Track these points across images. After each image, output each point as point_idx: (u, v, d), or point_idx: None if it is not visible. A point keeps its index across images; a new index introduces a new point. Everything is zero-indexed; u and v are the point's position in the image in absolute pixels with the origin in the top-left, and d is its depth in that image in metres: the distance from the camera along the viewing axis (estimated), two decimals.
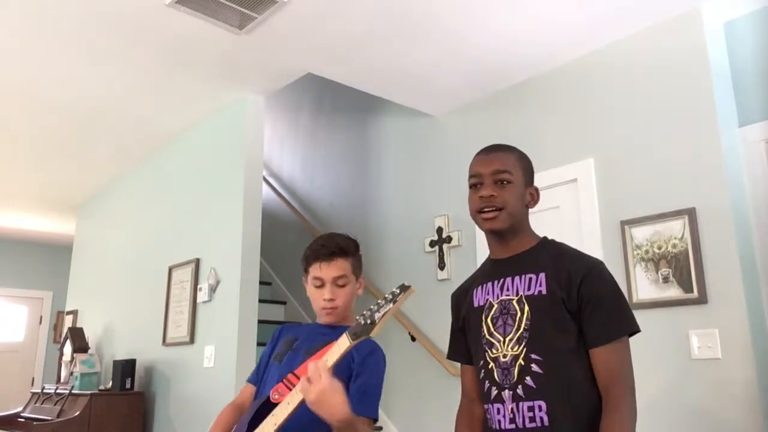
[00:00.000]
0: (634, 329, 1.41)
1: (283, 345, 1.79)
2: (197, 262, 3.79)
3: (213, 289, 3.61)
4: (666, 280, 2.67)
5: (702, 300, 2.54)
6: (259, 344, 3.46)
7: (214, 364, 3.47)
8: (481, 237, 3.47)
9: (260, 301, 3.60)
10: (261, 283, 3.75)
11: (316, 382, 1.38)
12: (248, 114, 3.67)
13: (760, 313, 2.54)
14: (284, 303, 5.17)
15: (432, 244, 3.74)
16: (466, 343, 1.59)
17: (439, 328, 3.14)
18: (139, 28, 2.98)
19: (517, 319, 1.42)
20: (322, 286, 1.72)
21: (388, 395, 3.88)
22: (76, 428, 3.64)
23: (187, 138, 4.25)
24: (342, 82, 3.54)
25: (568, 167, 3.13)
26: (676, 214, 2.68)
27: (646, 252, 2.75)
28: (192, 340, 3.69)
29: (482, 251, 3.45)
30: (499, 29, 2.97)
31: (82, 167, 5.00)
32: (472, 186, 1.53)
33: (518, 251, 1.51)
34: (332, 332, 1.65)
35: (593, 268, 1.44)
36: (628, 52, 3.01)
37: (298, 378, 1.52)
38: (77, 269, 5.77)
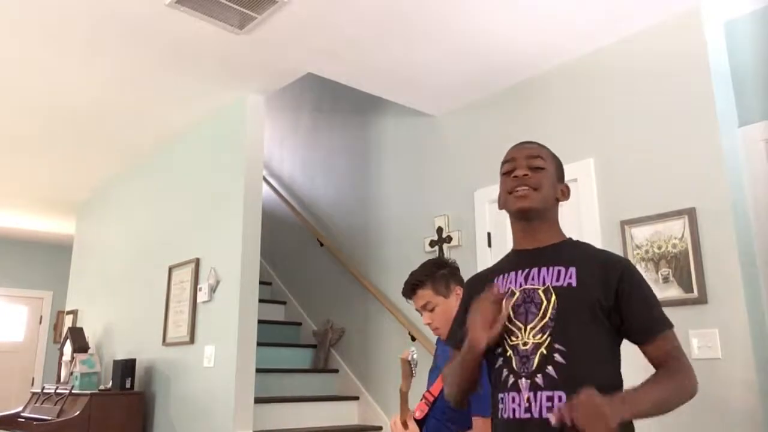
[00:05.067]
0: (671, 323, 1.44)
1: (416, 363, 2.08)
2: (197, 262, 3.79)
3: (213, 289, 3.61)
4: (666, 280, 2.67)
5: (702, 300, 2.54)
6: (259, 344, 3.47)
7: (214, 364, 3.47)
8: (481, 237, 3.49)
9: (260, 301, 3.60)
10: (261, 283, 3.75)
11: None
12: (248, 114, 3.67)
13: (760, 313, 2.53)
14: (284, 303, 5.17)
15: (432, 244, 3.74)
16: None
17: None
18: (139, 28, 2.98)
19: (543, 308, 1.40)
20: (421, 313, 2.03)
21: (388, 393, 3.88)
22: (76, 428, 3.63)
23: (187, 138, 4.25)
24: (342, 82, 3.54)
25: (568, 167, 3.05)
26: (676, 214, 2.68)
27: (646, 252, 2.75)
28: (192, 340, 3.69)
29: (482, 251, 3.45)
30: (499, 29, 2.97)
31: (82, 167, 5.00)
32: (506, 173, 1.52)
33: (545, 243, 1.49)
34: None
35: (628, 266, 1.47)
36: (628, 52, 3.01)
37: (432, 395, 1.95)
38: (77, 269, 5.77)
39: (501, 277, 1.51)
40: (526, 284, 1.45)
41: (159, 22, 2.91)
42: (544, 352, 1.36)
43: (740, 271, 2.49)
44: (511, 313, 1.43)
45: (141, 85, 3.61)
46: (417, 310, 2.04)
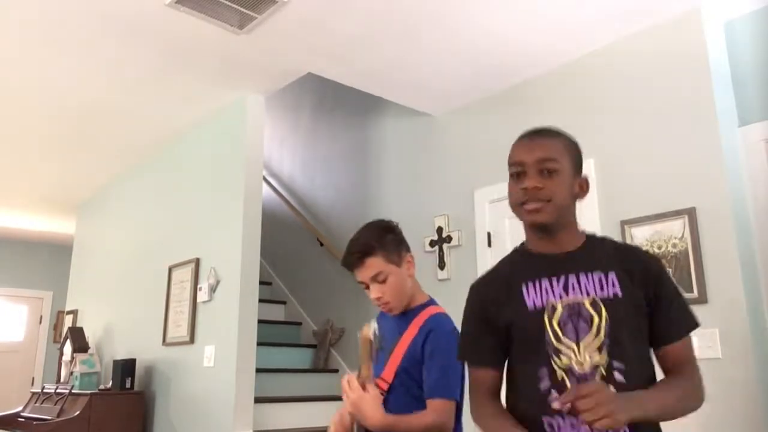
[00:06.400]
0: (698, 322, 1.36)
1: (378, 341, 1.82)
2: (197, 262, 3.79)
3: (213, 289, 3.61)
4: None
5: (702, 300, 2.54)
6: (259, 344, 3.47)
7: (214, 363, 3.47)
8: (481, 237, 3.49)
9: (260, 301, 3.60)
10: (261, 283, 3.75)
11: (348, 394, 1.46)
12: (248, 114, 3.67)
13: (760, 313, 2.54)
14: (284, 303, 5.17)
15: (432, 244, 3.74)
16: (495, 345, 1.39)
17: None
18: (139, 28, 2.98)
19: (595, 323, 1.28)
20: (367, 287, 1.75)
21: None
22: (76, 428, 3.63)
23: (187, 138, 4.25)
24: (342, 82, 3.54)
25: None
26: (676, 214, 2.68)
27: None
28: (192, 340, 3.69)
29: (482, 251, 3.45)
30: (499, 29, 2.97)
31: (82, 167, 5.00)
32: (513, 175, 1.37)
33: (571, 248, 1.37)
34: (403, 323, 1.72)
35: (661, 265, 1.39)
36: (628, 52, 3.01)
37: (386, 381, 1.67)
38: (77, 269, 5.77)
39: (531, 285, 1.35)
40: (568, 295, 1.32)
41: (159, 22, 2.91)
42: (603, 372, 1.26)
43: (740, 271, 2.49)
44: (559, 331, 1.30)
45: (141, 85, 3.61)
46: (361, 282, 1.75)
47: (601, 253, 1.37)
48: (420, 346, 1.64)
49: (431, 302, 1.78)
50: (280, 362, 4.30)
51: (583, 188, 1.39)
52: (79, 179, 5.29)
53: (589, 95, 3.13)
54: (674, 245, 2.67)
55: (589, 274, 1.32)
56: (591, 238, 1.42)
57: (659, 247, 2.71)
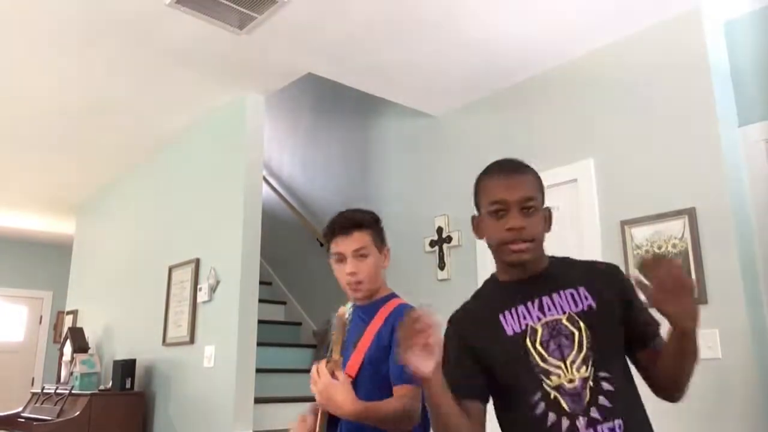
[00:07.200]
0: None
1: (344, 330, 1.80)
2: (197, 262, 3.79)
3: (213, 289, 3.61)
4: None
5: (702, 300, 2.54)
6: (259, 344, 3.47)
7: (214, 364, 3.47)
8: None
9: (260, 301, 3.60)
10: (261, 283, 3.74)
11: (317, 382, 1.43)
12: (248, 114, 3.67)
13: (760, 313, 2.54)
14: (284, 303, 5.17)
15: (432, 244, 3.74)
16: (483, 378, 1.39)
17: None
18: (138, 28, 2.98)
19: (576, 339, 1.32)
20: (343, 260, 1.72)
21: None
22: (76, 428, 3.63)
23: (187, 138, 4.25)
24: (342, 82, 3.54)
25: (568, 167, 3.12)
26: (676, 214, 2.68)
27: (646, 252, 2.75)
28: (192, 340, 3.69)
29: (482, 251, 3.44)
30: (499, 29, 2.97)
31: (82, 167, 5.00)
32: (493, 213, 1.39)
33: (535, 271, 1.42)
34: (368, 314, 1.70)
35: (620, 271, 1.46)
36: (628, 52, 3.01)
37: (350, 376, 1.62)
38: (77, 269, 5.77)
39: (508, 313, 1.39)
40: (545, 316, 1.36)
41: (159, 22, 2.91)
42: (592, 384, 1.29)
43: (740, 271, 2.49)
44: (543, 351, 1.33)
45: (141, 85, 3.61)
46: (338, 253, 1.73)
47: (566, 271, 1.43)
48: (387, 335, 1.62)
49: (395, 295, 1.79)
50: (280, 362, 4.30)
51: (548, 219, 1.45)
52: (79, 179, 5.29)
53: (589, 95, 3.13)
54: (674, 245, 2.67)
55: (561, 292, 1.38)
56: (553, 260, 1.47)
57: (659, 247, 2.71)
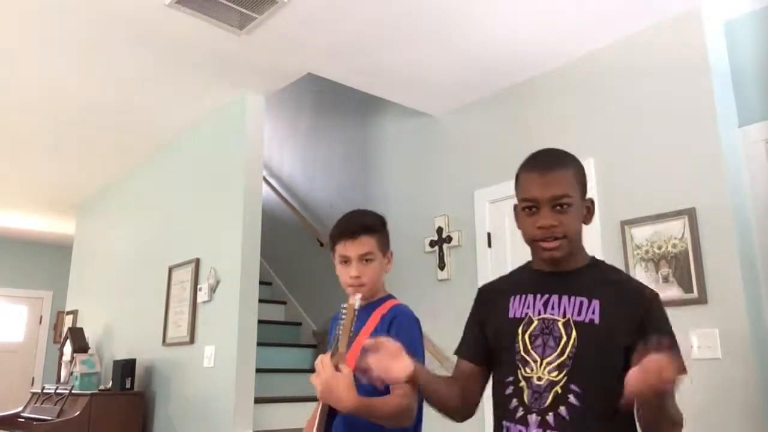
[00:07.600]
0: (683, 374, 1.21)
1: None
2: (197, 262, 3.79)
3: (213, 289, 3.61)
4: (666, 280, 2.67)
5: (702, 300, 2.54)
6: (259, 344, 3.47)
7: (214, 364, 3.47)
8: (481, 237, 3.48)
9: (260, 301, 3.60)
10: (261, 283, 3.75)
11: (320, 374, 1.45)
12: (248, 114, 3.67)
13: (760, 313, 2.53)
14: (284, 303, 5.17)
15: (432, 244, 3.74)
16: (486, 346, 1.47)
17: (439, 328, 3.14)
18: (139, 28, 2.98)
19: (562, 343, 1.32)
20: (348, 263, 1.73)
21: None
22: (76, 428, 3.63)
23: (187, 138, 4.25)
24: (342, 82, 3.54)
25: None
26: (676, 214, 2.68)
27: (646, 252, 2.75)
28: (192, 340, 3.69)
29: (482, 251, 3.45)
30: (499, 29, 2.97)
31: (82, 167, 5.00)
32: (526, 209, 1.38)
33: (568, 268, 1.40)
34: (364, 314, 1.69)
35: (656, 299, 1.36)
36: (628, 52, 3.01)
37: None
38: (77, 269, 5.77)
39: (518, 297, 1.42)
40: (545, 312, 1.37)
41: (159, 22, 2.91)
42: (559, 391, 1.29)
43: (740, 271, 2.49)
44: (528, 343, 1.35)
45: (141, 85, 3.61)
46: (344, 256, 1.73)
47: (595, 280, 1.39)
48: (383, 334, 1.59)
49: (392, 296, 1.80)
50: (280, 362, 4.30)
51: (590, 210, 1.45)
52: (79, 179, 5.29)
53: (589, 95, 3.13)
54: (674, 245, 2.67)
55: (572, 297, 1.36)
56: (593, 263, 1.45)
57: (659, 247, 2.71)
